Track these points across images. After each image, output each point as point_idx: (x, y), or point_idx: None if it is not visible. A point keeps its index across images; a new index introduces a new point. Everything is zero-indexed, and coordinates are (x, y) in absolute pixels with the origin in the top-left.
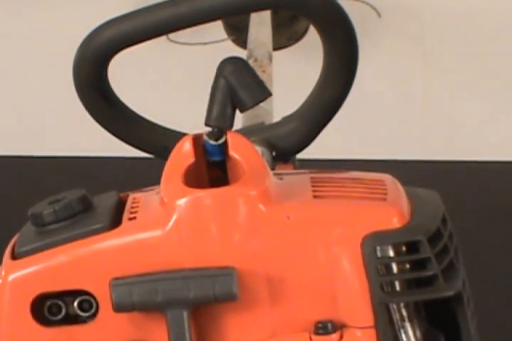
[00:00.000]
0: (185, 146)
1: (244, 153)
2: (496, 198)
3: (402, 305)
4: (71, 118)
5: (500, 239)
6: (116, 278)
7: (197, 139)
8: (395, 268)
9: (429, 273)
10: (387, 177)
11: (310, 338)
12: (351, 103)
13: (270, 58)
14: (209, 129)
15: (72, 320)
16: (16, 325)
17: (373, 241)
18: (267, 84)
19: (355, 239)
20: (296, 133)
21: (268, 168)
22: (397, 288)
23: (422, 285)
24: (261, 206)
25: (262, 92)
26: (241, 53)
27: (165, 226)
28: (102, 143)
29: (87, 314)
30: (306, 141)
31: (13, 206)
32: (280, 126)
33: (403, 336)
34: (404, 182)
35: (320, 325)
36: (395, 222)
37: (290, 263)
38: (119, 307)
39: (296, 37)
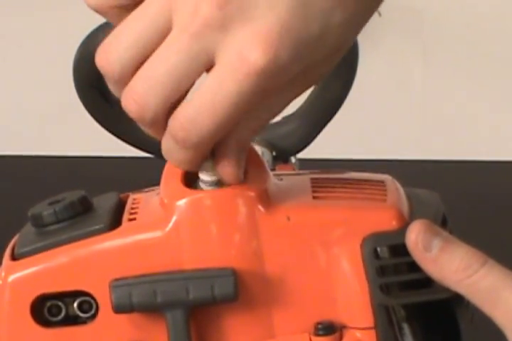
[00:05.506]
0: None
1: None
2: (496, 198)
3: (401, 306)
4: (71, 118)
5: (500, 239)
6: (116, 279)
7: None
8: (394, 269)
9: None
10: (387, 178)
11: (310, 339)
12: (351, 103)
13: None
14: None
15: (72, 320)
16: (16, 326)
17: (373, 242)
18: None
19: (355, 240)
20: (296, 133)
21: (268, 169)
22: (397, 289)
23: (421, 287)
24: (260, 207)
25: None
26: None
27: (165, 227)
28: (102, 143)
29: (86, 315)
30: (306, 141)
31: (13, 206)
32: (280, 126)
33: (403, 337)
34: (404, 182)
35: (320, 325)
36: (395, 223)
37: (290, 264)
38: (118, 308)
39: None
